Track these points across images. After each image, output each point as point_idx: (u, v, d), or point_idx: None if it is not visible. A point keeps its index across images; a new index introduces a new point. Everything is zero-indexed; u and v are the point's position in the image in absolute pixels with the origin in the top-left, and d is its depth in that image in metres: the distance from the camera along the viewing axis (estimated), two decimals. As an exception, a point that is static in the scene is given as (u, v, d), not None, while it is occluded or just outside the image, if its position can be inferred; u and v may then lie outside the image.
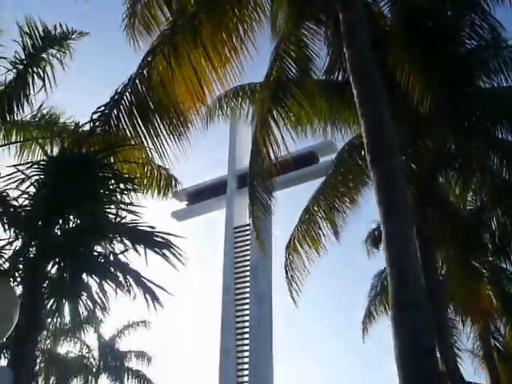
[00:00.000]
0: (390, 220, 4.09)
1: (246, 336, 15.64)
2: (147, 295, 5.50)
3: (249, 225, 15.27)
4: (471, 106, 6.98)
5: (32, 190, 5.40)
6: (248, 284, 16.13)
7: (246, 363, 15.38)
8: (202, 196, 19.01)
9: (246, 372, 15.31)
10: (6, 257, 5.14)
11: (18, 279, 5.19)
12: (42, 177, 5.23)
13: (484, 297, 9.96)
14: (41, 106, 7.09)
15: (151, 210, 5.75)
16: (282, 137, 7.45)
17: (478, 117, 7.04)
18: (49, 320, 6.61)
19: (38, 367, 18.68)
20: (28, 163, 5.53)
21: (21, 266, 5.31)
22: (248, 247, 16.35)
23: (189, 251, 5.75)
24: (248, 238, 16.26)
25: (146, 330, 22.59)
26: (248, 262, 16.35)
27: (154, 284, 5.47)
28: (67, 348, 20.69)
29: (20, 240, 5.23)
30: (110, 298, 5.59)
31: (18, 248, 5.16)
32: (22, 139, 6.89)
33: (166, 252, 5.46)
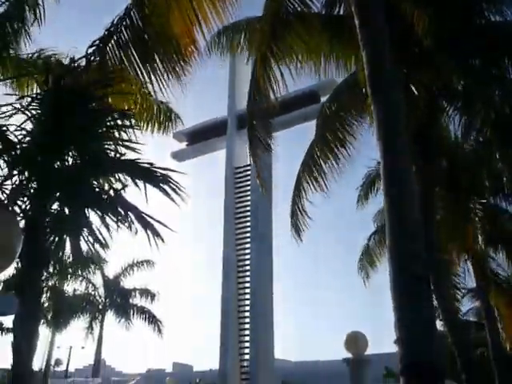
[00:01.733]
0: (388, 153, 4.08)
1: (247, 274, 16.02)
2: (148, 231, 5.60)
3: (249, 165, 15.30)
4: (476, 39, 6.78)
5: (30, 125, 5.38)
6: (249, 224, 16.35)
7: (247, 304, 15.82)
8: (202, 136, 18.87)
9: (247, 307, 15.78)
10: (7, 192, 5.21)
11: (21, 215, 5.27)
12: (38, 111, 5.18)
13: (479, 235, 10.12)
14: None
15: (151, 150, 5.74)
16: (282, 74, 7.32)
17: (483, 50, 6.85)
18: (53, 257, 6.77)
19: (46, 304, 19.34)
20: (24, 97, 5.46)
21: (22, 202, 5.38)
22: (248, 188, 16.43)
23: (189, 191, 5.80)
24: (248, 178, 16.30)
25: (149, 268, 23.31)
26: (249, 203, 16.49)
27: (155, 219, 5.55)
28: (74, 286, 21.34)
29: (20, 175, 5.27)
30: (111, 234, 5.72)
31: (18, 183, 5.19)
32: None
33: (166, 187, 5.51)
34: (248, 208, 16.58)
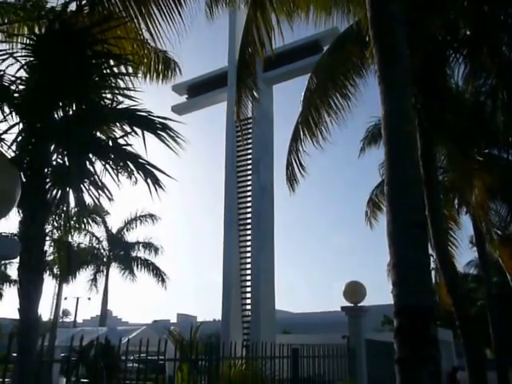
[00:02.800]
0: (389, 98, 4.00)
1: (249, 227, 16.14)
2: (148, 180, 5.60)
3: (250, 118, 15.11)
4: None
5: (24, 74, 5.27)
6: (250, 178, 16.34)
7: (249, 257, 16.02)
8: (202, 89, 18.58)
9: (248, 259, 16.01)
10: (8, 143, 5.17)
11: (22, 166, 5.25)
12: (32, 59, 5.05)
13: (482, 185, 10.09)
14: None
15: (152, 107, 5.62)
16: (278, 21, 7.06)
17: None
18: (56, 209, 6.76)
19: (52, 257, 19.65)
20: (16, 42, 5.33)
21: (22, 153, 5.35)
22: (250, 141, 16.32)
23: (190, 145, 5.75)
24: (250, 131, 16.16)
25: (152, 222, 23.59)
26: (250, 156, 16.42)
27: (155, 167, 5.54)
28: (78, 239, 21.64)
29: (19, 125, 5.21)
30: (112, 185, 5.71)
31: (17, 133, 5.14)
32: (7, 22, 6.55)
33: (165, 135, 5.47)
34: (249, 161, 16.51)
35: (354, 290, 9.30)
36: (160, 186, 5.59)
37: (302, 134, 8.15)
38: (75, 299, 33.86)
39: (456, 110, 9.18)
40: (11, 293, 21.73)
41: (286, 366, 7.39)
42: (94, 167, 5.48)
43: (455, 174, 10.58)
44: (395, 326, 3.70)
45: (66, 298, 29.50)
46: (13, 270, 20.64)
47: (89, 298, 30.61)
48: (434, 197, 7.73)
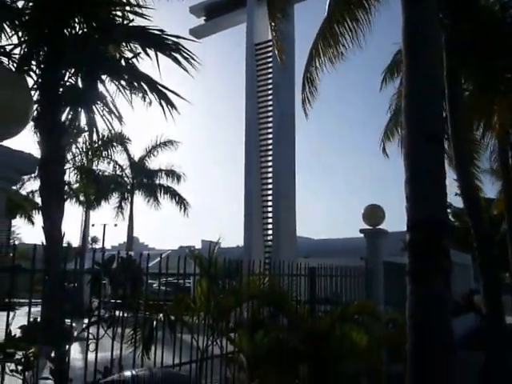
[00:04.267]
0: (413, 4, 3.76)
1: (270, 153, 16.07)
2: (162, 101, 5.54)
3: (270, 41, 14.55)
4: None
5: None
6: (271, 103, 16.02)
7: (270, 183, 16.05)
8: (220, 10, 17.84)
9: (269, 186, 16.08)
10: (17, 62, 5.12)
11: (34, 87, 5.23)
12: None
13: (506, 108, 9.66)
14: None
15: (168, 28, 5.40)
16: None
17: None
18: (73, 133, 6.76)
19: (77, 185, 20.14)
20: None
21: (33, 72, 5.30)
22: (270, 65, 15.82)
23: (204, 65, 5.60)
24: (270, 55, 15.62)
25: (173, 148, 23.71)
26: (270, 81, 15.99)
27: (168, 89, 5.47)
28: (101, 166, 22.00)
29: (29, 43, 5.14)
30: (126, 108, 5.68)
31: (26, 51, 5.08)
32: None
33: (178, 56, 5.34)
34: (270, 87, 16.11)
35: (373, 213, 9.35)
36: (174, 108, 5.54)
37: (320, 50, 7.82)
38: (102, 226, 35.12)
39: (485, 26, 8.64)
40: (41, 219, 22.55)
41: (304, 286, 7.58)
42: (106, 88, 5.45)
43: (481, 96, 10.15)
44: (408, 240, 3.72)
45: (93, 225, 30.58)
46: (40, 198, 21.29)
47: (115, 225, 31.65)
48: (458, 117, 7.50)
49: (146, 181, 24.12)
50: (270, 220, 15.91)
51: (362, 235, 9.89)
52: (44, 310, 4.43)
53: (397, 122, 12.16)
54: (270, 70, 15.87)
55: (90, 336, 4.13)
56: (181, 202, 23.70)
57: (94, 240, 35.55)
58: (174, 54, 5.32)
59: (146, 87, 5.47)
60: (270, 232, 15.94)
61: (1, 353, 3.64)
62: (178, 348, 4.93)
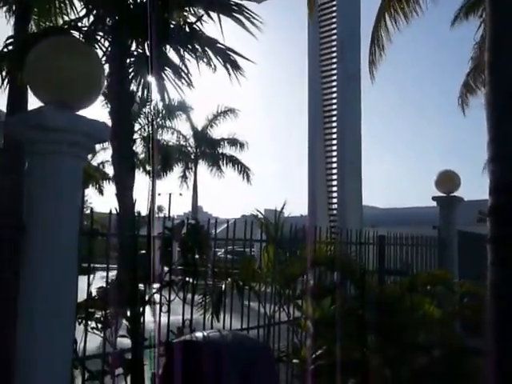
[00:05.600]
0: None
1: (334, 119, 15.65)
2: (227, 65, 5.48)
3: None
4: None
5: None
6: (335, 66, 15.50)
7: (334, 150, 15.71)
8: (281, -29, 17.40)
9: (334, 153, 15.76)
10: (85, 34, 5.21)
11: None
12: None
13: None
14: None
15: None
16: None
17: None
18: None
19: (143, 155, 20.74)
20: None
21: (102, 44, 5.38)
22: (334, 26, 15.24)
23: (268, 27, 5.44)
24: (334, 15, 15.03)
25: (234, 117, 23.77)
26: (335, 43, 15.43)
27: (234, 52, 5.38)
28: (166, 137, 22.52)
29: (94, 13, 5.20)
30: (192, 74, 5.65)
31: (93, 21, 5.14)
32: None
33: (241, 18, 5.21)
34: (334, 49, 15.56)
35: (448, 179, 8.84)
36: (239, 70, 5.46)
37: (387, 11, 7.39)
38: (168, 195, 36.24)
39: None
40: (111, 189, 23.52)
41: (372, 255, 7.41)
42: (180, 55, 5.42)
43: None
44: (489, 205, 3.47)
45: (159, 194, 31.64)
46: (109, 169, 22.19)
47: (180, 194, 32.54)
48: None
49: (208, 150, 24.44)
50: (335, 188, 15.63)
51: (431, 205, 9.47)
52: (118, 274, 4.60)
53: (476, 78, 11.42)
54: (335, 32, 15.31)
55: (162, 299, 4.27)
56: (243, 170, 23.85)
57: (160, 209, 36.84)
58: (237, 15, 5.19)
59: (210, 52, 5.40)
60: (334, 200, 15.69)
61: (82, 312, 3.84)
62: (243, 314, 5.01)
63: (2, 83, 7.18)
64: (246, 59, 5.33)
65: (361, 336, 6.09)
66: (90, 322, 3.94)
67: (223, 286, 4.88)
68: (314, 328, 5.66)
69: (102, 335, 4.03)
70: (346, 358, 5.33)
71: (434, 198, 9.16)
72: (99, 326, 4.04)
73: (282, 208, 5.53)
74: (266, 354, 3.89)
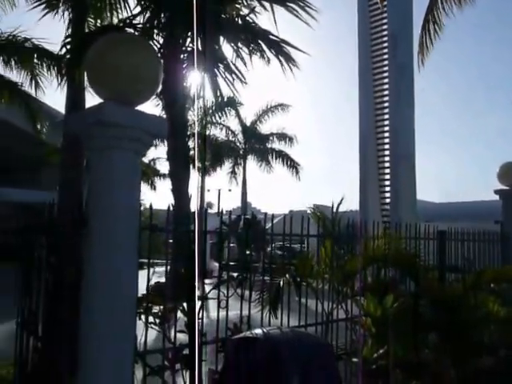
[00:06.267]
0: None
1: (386, 111, 15.23)
2: (281, 57, 5.36)
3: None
4: None
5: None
6: (386, 57, 15.06)
7: (387, 143, 15.32)
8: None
9: (386, 146, 15.35)
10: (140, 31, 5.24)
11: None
12: None
13: None
14: None
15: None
16: None
17: None
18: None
19: (193, 151, 20.96)
20: None
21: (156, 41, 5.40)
22: (385, 14, 14.77)
23: (322, 15, 5.28)
24: (385, 3, 14.58)
25: (284, 112, 23.57)
26: (385, 32, 14.98)
27: (288, 44, 5.26)
28: (215, 132, 22.64)
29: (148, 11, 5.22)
30: (245, 69, 5.57)
31: (147, 18, 5.17)
32: None
33: (296, 7, 5.08)
34: (385, 39, 15.12)
35: (511, 171, 8.40)
36: (293, 62, 5.34)
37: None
38: (217, 191, 36.51)
39: None
40: (162, 185, 23.91)
41: (432, 251, 7.13)
42: (236, 48, 5.37)
43: None
44: None
45: (208, 190, 31.93)
46: (161, 165, 22.58)
47: (229, 190, 32.66)
48: None
49: (257, 145, 24.38)
50: (388, 182, 15.24)
51: (490, 199, 9.02)
52: (174, 269, 4.61)
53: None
54: (385, 21, 14.86)
55: (217, 295, 4.23)
56: (293, 165, 23.64)
57: (209, 205, 37.20)
58: (291, 4, 5.07)
59: (263, 44, 5.31)
60: (387, 195, 15.31)
61: (141, 307, 3.86)
62: (300, 310, 4.90)
63: (61, 83, 7.42)
64: (301, 51, 5.20)
65: (422, 335, 5.87)
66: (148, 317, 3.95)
67: (281, 282, 4.79)
68: (374, 326, 5.49)
69: (160, 330, 4.03)
70: (407, 357, 5.14)
71: (496, 192, 8.74)
72: (157, 320, 4.05)
73: (340, 203, 5.37)
74: (328, 351, 3.77)
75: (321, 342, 4.18)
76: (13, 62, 11.26)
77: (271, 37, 5.26)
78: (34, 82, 11.29)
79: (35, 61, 10.86)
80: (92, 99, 3.56)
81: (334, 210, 5.38)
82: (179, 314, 4.16)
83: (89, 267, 3.31)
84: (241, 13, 5.42)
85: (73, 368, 3.32)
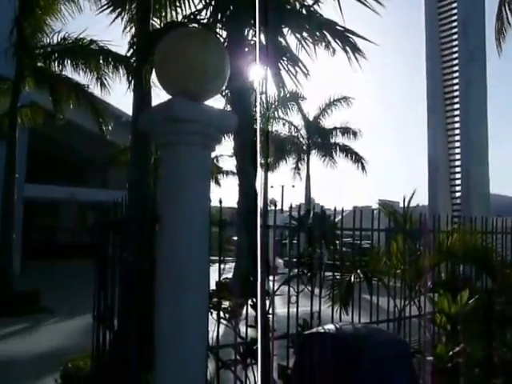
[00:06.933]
0: None
1: (456, 100, 14.54)
2: (347, 47, 5.21)
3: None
4: None
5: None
6: (456, 42, 14.35)
7: (457, 134, 14.62)
8: None
9: (456, 137, 14.69)
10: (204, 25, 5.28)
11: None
12: None
13: None
14: None
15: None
16: None
17: None
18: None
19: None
20: None
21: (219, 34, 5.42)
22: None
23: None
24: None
25: (347, 105, 23.09)
26: (455, 17, 14.28)
27: (353, 33, 5.10)
28: (277, 128, 22.58)
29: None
30: (308, 61, 5.48)
31: (211, 13, 5.19)
32: None
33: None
34: (455, 23, 14.42)
35: None
36: (360, 53, 5.17)
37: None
38: (280, 188, 36.51)
39: None
40: (225, 183, 24.20)
41: (511, 244, 6.73)
42: (302, 41, 5.28)
43: None
44: None
45: (272, 187, 31.98)
46: (223, 162, 22.83)
47: (293, 186, 32.59)
48: None
49: (320, 140, 24.06)
50: (459, 175, 14.56)
51: None
52: (241, 266, 4.62)
53: None
54: (455, 5, 14.15)
55: (288, 291, 4.18)
56: (358, 160, 23.12)
57: (273, 202, 37.25)
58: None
59: (328, 35, 5.19)
60: (458, 188, 14.64)
61: (211, 302, 3.89)
62: (372, 307, 4.77)
63: (130, 83, 7.66)
64: (368, 41, 5.02)
65: (500, 333, 5.56)
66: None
67: (352, 278, 4.67)
68: (449, 324, 5.25)
69: (230, 326, 4.05)
70: (485, 356, 4.88)
71: None
72: (226, 315, 4.06)
73: (411, 197, 5.15)
74: (403, 348, 3.63)
75: (395, 339, 4.04)
76: (79, 64, 11.83)
77: (336, 27, 5.13)
78: (99, 83, 11.79)
79: (100, 62, 11.34)
80: (157, 100, 3.60)
81: (406, 203, 5.15)
82: (249, 310, 4.16)
83: (161, 263, 3.36)
84: (305, 3, 5.33)
85: (147, 361, 3.39)
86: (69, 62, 12.09)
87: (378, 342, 3.42)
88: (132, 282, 4.17)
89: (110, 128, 13.88)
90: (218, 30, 5.42)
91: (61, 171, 30.07)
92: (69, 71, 12.48)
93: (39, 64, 13.05)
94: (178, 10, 6.26)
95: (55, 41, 12.51)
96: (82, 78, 12.47)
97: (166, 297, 3.29)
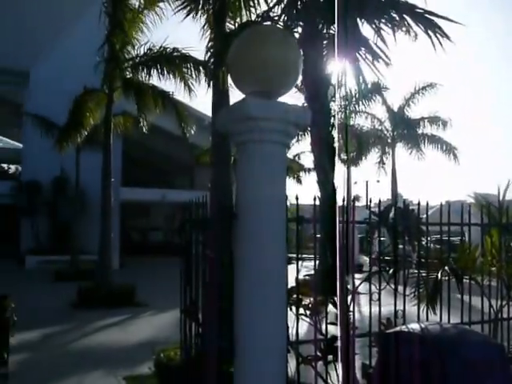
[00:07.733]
0: None
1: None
2: (429, 31, 4.91)
3: None
4: None
5: None
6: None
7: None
8: None
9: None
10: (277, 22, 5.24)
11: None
12: None
13: None
14: None
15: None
16: None
17: None
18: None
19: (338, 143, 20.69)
20: None
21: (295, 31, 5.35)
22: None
23: None
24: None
25: (434, 93, 21.80)
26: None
27: (436, 15, 4.80)
28: (360, 121, 21.92)
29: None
30: (388, 47, 5.24)
31: (283, 9, 5.14)
32: None
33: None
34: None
35: None
36: (445, 35, 4.84)
37: None
38: (365, 183, 35.44)
39: None
40: (307, 180, 23.92)
41: None
42: (382, 30, 5.08)
43: None
44: None
45: (355, 183, 31.10)
46: (305, 159, 22.64)
47: (377, 181, 31.50)
48: None
49: (406, 132, 22.98)
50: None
51: None
52: (321, 262, 4.52)
53: None
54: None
55: (367, 289, 4.04)
56: (449, 150, 21.78)
57: (357, 198, 36.34)
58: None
59: (409, 19, 4.92)
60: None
61: (291, 298, 3.86)
62: (463, 307, 4.46)
63: (209, 86, 7.85)
64: (453, 22, 4.68)
65: None
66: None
67: (439, 275, 4.40)
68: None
69: (310, 322, 4.00)
70: None
71: None
72: (307, 312, 4.01)
73: (506, 188, 4.75)
74: (498, 352, 3.34)
75: (491, 342, 3.73)
76: (165, 72, 12.36)
77: (417, 10, 4.86)
78: (184, 88, 12.21)
79: (183, 68, 11.75)
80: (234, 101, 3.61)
81: (501, 196, 4.76)
82: (330, 307, 4.08)
83: (238, 259, 3.39)
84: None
85: (230, 354, 3.43)
86: (155, 71, 12.67)
87: (470, 343, 3.18)
88: (213, 278, 4.25)
89: (192, 131, 14.35)
90: (290, 24, 5.35)
91: (152, 175, 31.72)
92: (155, 79, 13.07)
93: (128, 75, 13.80)
94: (252, 10, 6.30)
95: (141, 52, 13.14)
96: (168, 84, 13.00)
97: (243, 292, 3.32)
